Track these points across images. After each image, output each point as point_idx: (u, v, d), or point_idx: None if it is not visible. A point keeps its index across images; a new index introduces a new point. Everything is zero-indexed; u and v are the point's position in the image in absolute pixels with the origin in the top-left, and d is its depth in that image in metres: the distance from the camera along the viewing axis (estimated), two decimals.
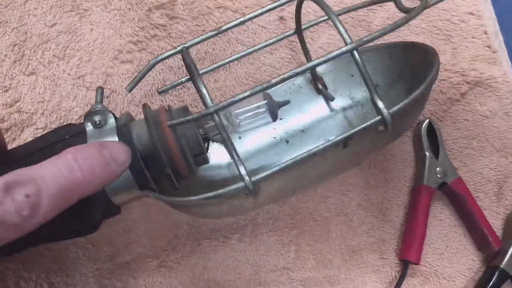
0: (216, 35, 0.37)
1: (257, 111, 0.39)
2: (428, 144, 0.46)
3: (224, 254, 0.45)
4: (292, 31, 0.45)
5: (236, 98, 0.31)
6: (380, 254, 0.46)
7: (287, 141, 0.45)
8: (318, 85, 0.45)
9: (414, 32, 0.50)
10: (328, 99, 0.45)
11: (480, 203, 0.47)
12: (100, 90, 0.38)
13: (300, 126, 0.45)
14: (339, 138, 0.31)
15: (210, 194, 0.32)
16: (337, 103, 0.46)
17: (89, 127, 0.34)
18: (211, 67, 0.45)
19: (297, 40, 0.46)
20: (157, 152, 0.34)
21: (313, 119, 0.46)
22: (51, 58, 0.46)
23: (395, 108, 0.31)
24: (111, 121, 0.35)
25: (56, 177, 0.26)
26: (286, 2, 0.37)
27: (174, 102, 0.47)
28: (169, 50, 0.37)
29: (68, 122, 0.45)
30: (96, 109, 0.35)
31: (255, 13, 0.37)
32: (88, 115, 0.35)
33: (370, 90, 0.31)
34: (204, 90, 0.31)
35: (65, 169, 0.26)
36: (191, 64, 0.33)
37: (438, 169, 0.46)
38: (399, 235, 0.47)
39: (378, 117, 0.31)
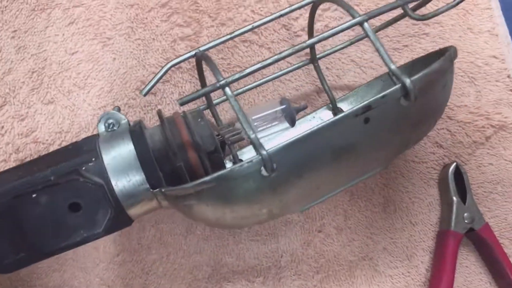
0: (230, 39, 0.39)
1: (274, 116, 0.38)
2: (455, 189, 0.45)
3: None
4: (307, 61, 0.45)
5: (246, 71, 0.31)
6: None
7: None
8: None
9: None
10: None
11: (505, 249, 0.46)
12: (117, 108, 0.38)
13: None
14: (358, 106, 0.30)
15: (223, 171, 0.30)
16: None
17: (101, 129, 0.35)
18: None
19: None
20: (169, 145, 0.33)
21: None
22: (71, 87, 0.44)
23: (416, 76, 0.31)
24: (124, 122, 0.35)
25: None
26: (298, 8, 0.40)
27: None
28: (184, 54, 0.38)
29: None
30: (110, 112, 0.36)
31: (266, 19, 0.40)
32: (102, 118, 0.35)
33: (386, 61, 0.31)
34: (215, 67, 0.32)
35: None
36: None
37: (465, 214, 0.45)
38: (424, 281, 0.45)
39: (399, 85, 0.30)
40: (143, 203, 0.34)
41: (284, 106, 0.37)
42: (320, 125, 0.30)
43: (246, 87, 0.45)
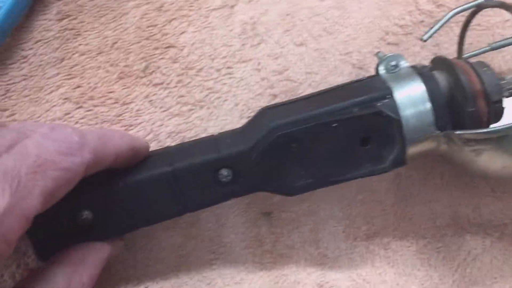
0: None
1: None
2: None
3: (484, 251, 0.43)
4: None
5: None
6: None
7: None
8: None
9: None
10: None
11: None
12: (381, 53, 0.39)
13: None
14: None
15: None
16: None
17: (383, 70, 0.37)
18: None
19: None
20: (461, 91, 0.34)
21: None
22: (321, 32, 0.46)
23: None
24: (406, 65, 0.37)
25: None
26: None
27: None
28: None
29: None
30: (388, 54, 0.37)
31: None
32: (383, 59, 0.37)
33: None
34: None
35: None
36: None
37: None
38: None
39: None
40: (423, 144, 0.35)
41: None
42: None
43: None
